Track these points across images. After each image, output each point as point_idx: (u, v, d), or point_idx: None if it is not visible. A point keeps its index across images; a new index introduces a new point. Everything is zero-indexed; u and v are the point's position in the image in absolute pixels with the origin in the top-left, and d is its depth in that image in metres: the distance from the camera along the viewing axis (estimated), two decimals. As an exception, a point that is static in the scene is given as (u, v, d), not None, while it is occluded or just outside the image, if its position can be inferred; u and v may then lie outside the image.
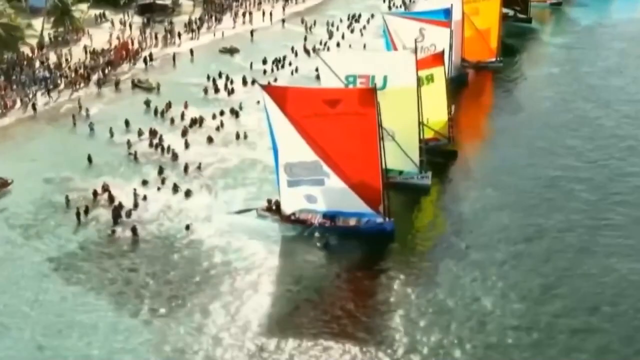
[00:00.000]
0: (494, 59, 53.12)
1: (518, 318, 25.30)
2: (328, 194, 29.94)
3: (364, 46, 52.91)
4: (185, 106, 40.92)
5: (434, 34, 42.53)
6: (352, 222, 30.50)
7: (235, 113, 40.77)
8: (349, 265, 28.76)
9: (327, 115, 28.52)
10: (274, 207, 30.87)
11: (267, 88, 29.81)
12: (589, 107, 45.90)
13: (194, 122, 39.32)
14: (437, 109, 37.06)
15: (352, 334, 24.50)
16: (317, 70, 47.78)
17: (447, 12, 43.29)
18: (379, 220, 29.97)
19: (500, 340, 24.20)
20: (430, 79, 36.27)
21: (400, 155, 33.19)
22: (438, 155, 37.08)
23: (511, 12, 65.57)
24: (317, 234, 29.94)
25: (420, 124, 33.81)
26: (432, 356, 23.51)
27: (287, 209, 30.41)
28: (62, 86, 43.54)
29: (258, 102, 41.85)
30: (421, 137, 34.08)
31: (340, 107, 28.56)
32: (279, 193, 30.27)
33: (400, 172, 34.07)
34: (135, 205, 31.22)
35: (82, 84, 43.96)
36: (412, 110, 33.28)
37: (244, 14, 59.47)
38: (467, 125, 43.90)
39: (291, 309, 25.99)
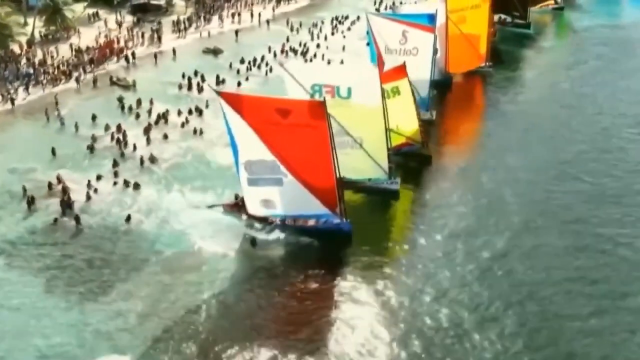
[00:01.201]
0: (483, 64, 53.69)
1: (459, 325, 25.73)
2: (286, 196, 30.79)
3: (343, 48, 54.08)
4: (151, 102, 42.61)
5: (417, 37, 43.32)
6: (312, 222, 31.48)
7: (199, 111, 42.31)
8: (299, 263, 29.67)
9: (280, 124, 29.24)
10: (240, 203, 32.06)
11: (223, 94, 30.58)
12: (574, 115, 45.83)
13: (159, 118, 41.01)
14: (407, 118, 38.00)
15: (286, 332, 25.49)
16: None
17: (431, 18, 43.88)
18: (337, 221, 30.92)
19: (439, 343, 24.97)
20: (396, 91, 37.00)
21: (369, 162, 34.21)
22: (411, 159, 38.06)
23: (509, 18, 66.02)
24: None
25: (388, 132, 34.45)
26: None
27: (250, 209, 31.59)
28: (44, 82, 45.76)
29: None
30: (389, 145, 34.74)
31: (292, 117, 29.17)
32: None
33: (370, 178, 34.96)
34: (88, 196, 32.96)
35: (62, 81, 46.18)
36: (379, 121, 33.87)
37: (232, 15, 61.13)
38: (445, 129, 44.66)
39: (221, 302, 27.09)
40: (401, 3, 66.60)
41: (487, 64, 54.20)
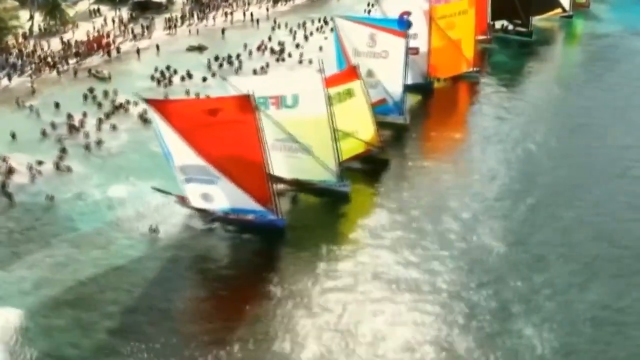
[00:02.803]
0: (470, 69, 53.89)
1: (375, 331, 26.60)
2: (221, 193, 32.49)
3: (320, 48, 55.29)
4: (116, 93, 45.52)
5: (386, 41, 43.63)
6: (250, 216, 32.94)
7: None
8: (223, 254, 31.84)
9: (210, 124, 30.51)
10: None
11: (150, 101, 32.13)
12: (559, 136, 44.01)
13: (117, 108, 43.95)
14: (363, 121, 38.87)
15: (205, 324, 26.93)
16: (261, 68, 52.00)
17: (402, 22, 44.30)
18: (271, 217, 32.43)
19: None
20: (349, 93, 37.71)
21: (320, 167, 35.49)
22: (369, 163, 39.06)
23: (511, 26, 65.06)
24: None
25: (335, 139, 35.44)
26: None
27: (192, 202, 33.46)
28: (29, 72, 49.52)
29: (187, 92, 46.38)
30: (338, 150, 35.62)
31: (221, 115, 30.59)
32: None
33: (323, 181, 36.11)
34: (32, 177, 36.08)
35: (46, 71, 49.80)
36: (325, 129, 34.88)
37: (225, 14, 63.63)
38: (416, 135, 44.97)
39: (120, 278, 29.18)
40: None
41: (475, 69, 54.26)
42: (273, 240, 32.47)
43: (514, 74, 57.69)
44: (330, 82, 37.06)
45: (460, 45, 53.06)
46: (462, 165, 40.40)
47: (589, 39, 69.01)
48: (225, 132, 30.69)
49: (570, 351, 25.83)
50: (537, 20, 68.69)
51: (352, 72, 38.60)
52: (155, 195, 34.47)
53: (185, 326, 27.08)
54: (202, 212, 33.45)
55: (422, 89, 51.18)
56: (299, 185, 36.43)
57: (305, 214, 35.64)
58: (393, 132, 44.29)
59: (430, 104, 51.34)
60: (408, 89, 49.56)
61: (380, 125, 43.48)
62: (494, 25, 65.75)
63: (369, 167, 39.25)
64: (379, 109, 44.53)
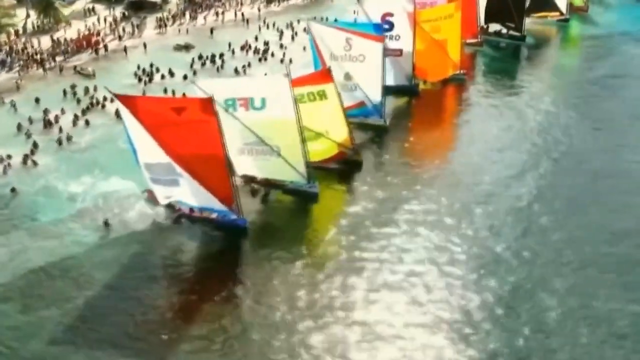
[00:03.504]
0: (457, 72, 54.12)
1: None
2: (185, 192, 33.31)
3: (304, 48, 55.77)
4: (95, 90, 46.63)
5: (362, 45, 43.91)
6: (213, 215, 33.84)
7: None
8: (179, 250, 32.60)
9: (176, 122, 31.53)
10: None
11: (120, 97, 32.94)
12: (544, 146, 43.63)
13: (92, 104, 45.12)
14: (336, 124, 39.31)
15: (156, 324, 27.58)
16: (243, 67, 52.82)
17: (377, 27, 44.70)
18: (234, 216, 33.29)
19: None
20: (322, 94, 38.20)
21: (288, 168, 36.19)
22: (342, 164, 39.65)
23: (504, 30, 65.06)
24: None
25: (304, 141, 36.00)
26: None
27: (159, 200, 34.35)
28: (16, 68, 50.98)
29: (165, 89, 47.31)
30: (306, 152, 36.16)
31: (186, 114, 31.60)
32: None
33: (292, 182, 36.91)
34: (4, 170, 37.38)
35: (34, 68, 51.23)
36: (293, 131, 35.53)
37: (217, 13, 64.60)
38: (395, 137, 45.23)
39: (68, 268, 30.25)
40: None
41: (461, 71, 54.52)
42: (235, 239, 33.18)
43: (502, 77, 57.83)
44: (302, 81, 37.93)
45: (446, 49, 53.35)
46: (437, 170, 40.58)
47: (583, 44, 68.79)
48: (189, 132, 31.63)
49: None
50: (533, 24, 68.69)
51: (325, 75, 38.95)
52: (117, 190, 35.58)
53: (124, 316, 27.82)
54: (169, 209, 34.33)
55: (408, 91, 51.55)
56: (269, 185, 37.08)
57: (272, 213, 36.45)
58: (372, 134, 44.87)
59: (414, 106, 51.67)
60: (393, 91, 50.36)
61: (361, 127, 44.49)
62: (487, 28, 65.86)
63: (342, 169, 39.70)
64: (359, 111, 45.33)
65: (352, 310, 28.32)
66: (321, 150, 39.60)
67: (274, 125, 34.78)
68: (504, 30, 65.54)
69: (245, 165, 36.58)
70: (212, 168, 32.39)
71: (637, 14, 74.02)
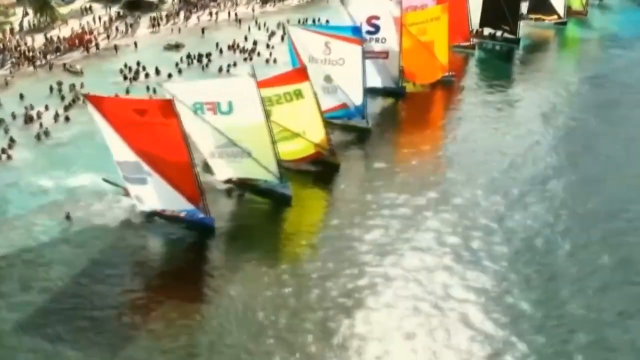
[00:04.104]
0: (446, 74, 54.22)
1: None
2: (154, 191, 33.86)
3: (292, 49, 56.54)
4: (82, 86, 47.68)
5: (342, 48, 44.12)
6: (182, 214, 34.40)
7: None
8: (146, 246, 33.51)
9: (139, 123, 32.24)
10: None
11: (88, 97, 33.81)
12: (521, 135, 44.32)
13: (74, 101, 46.22)
14: (312, 123, 39.57)
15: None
16: (228, 66, 53.51)
17: (356, 30, 44.89)
18: (201, 215, 33.81)
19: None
20: (298, 94, 38.39)
21: (261, 169, 36.66)
22: (319, 165, 39.91)
23: (499, 33, 64.86)
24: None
25: (274, 141, 36.28)
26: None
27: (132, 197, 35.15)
28: (8, 66, 52.30)
29: (147, 87, 47.94)
30: (276, 152, 36.41)
31: (147, 116, 32.21)
32: None
33: (265, 181, 37.40)
34: (-19, 161, 38.68)
35: (25, 65, 52.51)
36: (263, 134, 35.78)
37: (211, 13, 65.43)
38: (376, 140, 45.15)
39: (29, 261, 31.14)
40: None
41: (450, 73, 54.60)
42: (202, 238, 33.80)
43: (491, 80, 57.53)
44: (278, 81, 38.40)
45: (433, 51, 53.47)
46: (416, 173, 40.38)
47: (579, 48, 68.54)
48: (152, 133, 32.17)
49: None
50: (529, 27, 68.42)
51: (301, 73, 39.05)
52: (87, 185, 36.47)
53: (76, 311, 28.48)
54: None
55: (394, 93, 51.76)
56: (244, 185, 37.54)
57: (244, 214, 36.96)
58: (354, 136, 45.14)
59: (399, 108, 51.90)
60: (380, 93, 50.78)
61: (343, 128, 45.07)
62: (482, 31, 65.72)
63: (318, 170, 40.02)
64: (341, 112, 45.73)
65: (313, 312, 28.50)
66: (298, 150, 40.07)
67: (243, 129, 35.09)
68: (499, 33, 65.34)
69: (220, 168, 37.15)
70: (177, 168, 32.93)
71: (638, 18, 73.26)
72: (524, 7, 70.58)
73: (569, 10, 72.17)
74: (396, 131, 48.15)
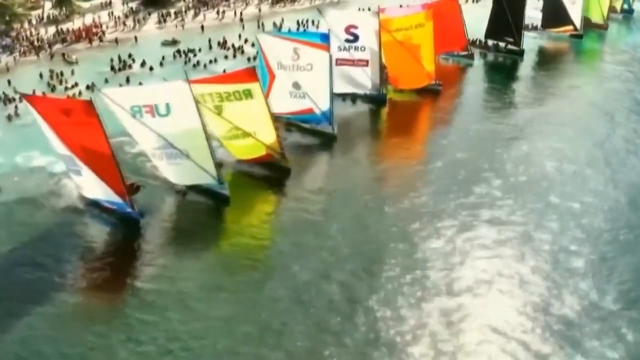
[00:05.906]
0: (432, 82, 54.22)
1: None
2: (89, 185, 36.60)
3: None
4: (72, 73, 51.98)
5: (310, 54, 44.86)
6: (114, 206, 36.52)
7: (92, 87, 49.72)
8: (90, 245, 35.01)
9: (67, 122, 34.17)
10: None
11: (26, 97, 36.87)
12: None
13: (54, 87, 50.57)
14: (262, 124, 40.16)
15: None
16: (209, 62, 55.85)
17: (324, 36, 45.57)
18: (128, 209, 35.91)
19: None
20: (248, 94, 39.04)
21: (199, 170, 37.49)
22: (270, 169, 40.57)
23: (502, 44, 63.65)
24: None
25: (209, 142, 37.47)
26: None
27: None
28: (16, 53, 57.38)
29: (127, 78, 51.17)
30: (212, 153, 37.53)
31: (73, 116, 34.23)
32: None
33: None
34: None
35: (31, 53, 57.43)
36: (200, 135, 36.71)
37: (218, 12, 68.40)
38: (338, 147, 44.71)
39: None
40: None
41: (437, 82, 54.36)
42: (130, 232, 35.37)
43: (483, 91, 56.67)
44: (226, 79, 39.89)
45: (418, 58, 53.69)
46: (372, 190, 39.31)
47: (592, 63, 65.39)
48: (78, 131, 34.51)
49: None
50: (542, 39, 66.50)
51: (251, 74, 39.46)
52: (40, 167, 39.80)
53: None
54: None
55: (374, 100, 52.04)
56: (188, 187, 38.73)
57: (182, 211, 37.94)
58: (317, 141, 45.39)
59: (377, 115, 51.57)
60: (361, 99, 51.54)
61: (309, 133, 45.72)
62: (486, 42, 64.74)
63: (266, 175, 40.42)
64: (308, 117, 46.65)
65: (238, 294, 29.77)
66: (249, 147, 41.05)
67: (181, 130, 36.39)
68: (502, 44, 64.12)
69: (162, 169, 38.83)
70: (102, 165, 35.02)
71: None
72: (539, 19, 68.90)
73: (587, 21, 69.54)
74: (363, 140, 46.80)
